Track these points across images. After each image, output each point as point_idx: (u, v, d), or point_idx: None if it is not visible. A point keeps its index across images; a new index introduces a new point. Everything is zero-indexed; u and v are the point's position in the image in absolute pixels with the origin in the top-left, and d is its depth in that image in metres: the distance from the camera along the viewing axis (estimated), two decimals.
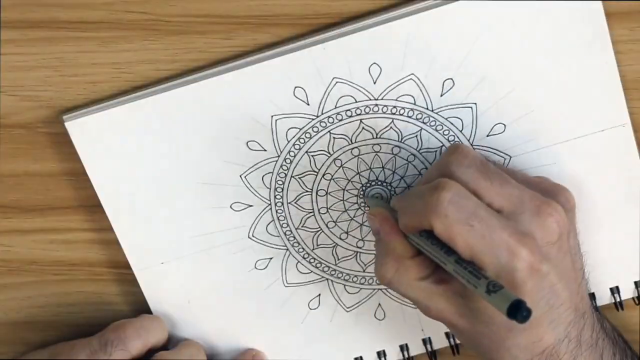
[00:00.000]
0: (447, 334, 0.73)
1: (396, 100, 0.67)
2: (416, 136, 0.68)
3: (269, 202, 0.70)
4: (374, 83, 0.66)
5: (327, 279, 0.72)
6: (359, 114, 0.67)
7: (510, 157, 0.68)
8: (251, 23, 0.66)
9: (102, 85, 0.68)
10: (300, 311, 0.73)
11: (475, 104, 0.66)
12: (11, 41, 0.67)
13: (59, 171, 0.70)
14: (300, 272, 0.72)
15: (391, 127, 0.67)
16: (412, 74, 0.66)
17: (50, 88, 0.68)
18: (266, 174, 0.69)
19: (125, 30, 0.67)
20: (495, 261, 0.60)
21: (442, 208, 0.60)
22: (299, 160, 0.68)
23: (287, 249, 0.71)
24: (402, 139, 0.68)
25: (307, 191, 0.69)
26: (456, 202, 0.60)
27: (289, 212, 0.70)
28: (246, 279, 0.72)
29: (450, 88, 0.66)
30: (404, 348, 0.74)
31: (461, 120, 0.67)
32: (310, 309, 0.73)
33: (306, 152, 0.68)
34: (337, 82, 0.66)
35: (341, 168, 0.69)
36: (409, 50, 0.65)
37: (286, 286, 0.72)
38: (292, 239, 0.71)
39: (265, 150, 0.68)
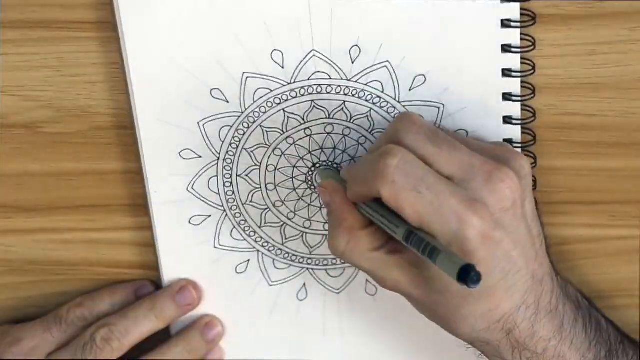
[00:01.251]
0: None
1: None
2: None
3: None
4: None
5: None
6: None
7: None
8: None
9: (101, 85, 0.68)
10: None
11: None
12: (11, 41, 0.67)
13: (59, 171, 0.70)
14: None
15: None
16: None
17: (50, 88, 0.68)
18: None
19: None
20: (446, 229, 0.59)
21: (389, 174, 0.59)
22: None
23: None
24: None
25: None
26: (403, 168, 0.59)
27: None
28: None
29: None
30: None
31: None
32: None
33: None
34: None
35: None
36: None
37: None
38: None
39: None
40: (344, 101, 0.66)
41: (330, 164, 0.69)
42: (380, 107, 0.67)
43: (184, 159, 0.68)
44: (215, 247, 0.71)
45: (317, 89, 0.66)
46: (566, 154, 0.69)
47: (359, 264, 0.64)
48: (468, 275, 0.55)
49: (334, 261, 0.72)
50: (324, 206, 0.68)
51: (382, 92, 0.66)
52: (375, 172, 0.60)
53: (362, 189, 0.62)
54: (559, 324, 0.64)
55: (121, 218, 0.72)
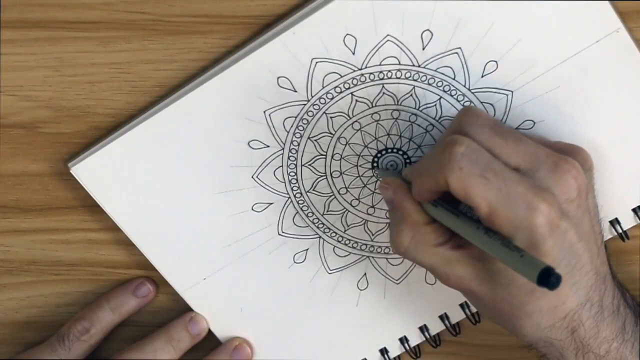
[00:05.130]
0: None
1: (380, 64, 0.66)
2: (435, 105, 0.67)
3: (287, 196, 0.70)
4: (354, 54, 0.66)
5: (368, 257, 0.72)
6: (349, 87, 0.67)
7: (512, 91, 0.67)
8: (250, 23, 0.66)
9: (101, 85, 0.68)
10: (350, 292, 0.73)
11: (460, 48, 0.65)
12: (11, 41, 0.67)
13: (58, 171, 0.70)
14: (338, 255, 0.72)
15: (411, 95, 0.67)
16: (388, 34, 0.65)
17: (49, 88, 0.68)
18: (277, 168, 0.69)
19: (124, 30, 0.67)
20: (513, 216, 0.58)
21: (456, 162, 0.59)
22: (316, 123, 0.68)
23: (319, 237, 0.71)
24: (420, 106, 0.67)
25: (322, 154, 0.69)
26: (469, 155, 0.59)
27: (310, 201, 0.70)
28: (288, 274, 0.72)
29: (430, 39, 0.65)
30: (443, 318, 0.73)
31: (452, 69, 0.66)
32: (360, 289, 0.73)
33: (324, 112, 0.67)
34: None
35: (359, 132, 0.68)
36: (378, 12, 0.64)
37: (330, 273, 0.72)
38: (321, 225, 0.71)
39: (267, 147, 0.68)
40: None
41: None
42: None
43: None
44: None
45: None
46: None
47: (422, 260, 0.63)
48: (548, 277, 0.54)
49: None
50: (386, 203, 0.68)
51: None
52: (441, 161, 0.60)
53: (428, 182, 0.61)
54: (621, 326, 0.64)
55: None
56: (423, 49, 0.65)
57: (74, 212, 0.71)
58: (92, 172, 0.68)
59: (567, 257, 0.60)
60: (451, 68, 0.66)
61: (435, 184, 0.61)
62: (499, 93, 0.66)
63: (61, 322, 0.74)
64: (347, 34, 0.65)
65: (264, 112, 0.67)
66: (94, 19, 0.66)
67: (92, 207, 0.71)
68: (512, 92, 0.66)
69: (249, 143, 0.68)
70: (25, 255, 0.72)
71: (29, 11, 0.66)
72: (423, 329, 0.73)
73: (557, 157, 0.61)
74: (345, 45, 0.65)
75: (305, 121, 0.68)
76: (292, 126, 0.68)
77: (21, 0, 0.66)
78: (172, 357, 0.72)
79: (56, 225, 0.72)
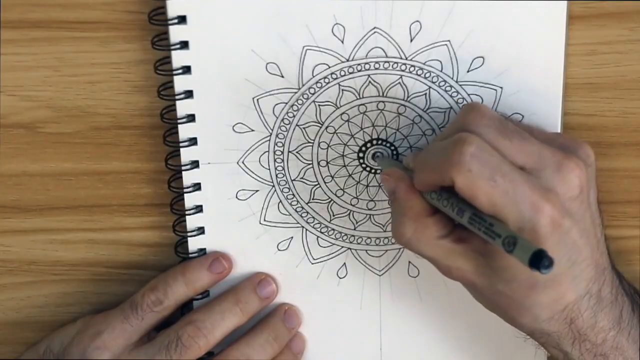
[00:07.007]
0: None
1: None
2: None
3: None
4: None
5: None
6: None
7: (502, 87, 0.67)
8: None
9: (101, 85, 0.68)
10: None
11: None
12: (11, 41, 0.67)
13: (58, 171, 0.70)
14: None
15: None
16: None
17: (49, 88, 0.68)
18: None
19: (124, 30, 0.67)
20: (518, 216, 0.59)
21: (465, 162, 0.59)
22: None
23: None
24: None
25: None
26: (479, 157, 0.59)
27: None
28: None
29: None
30: None
31: (440, 61, 0.66)
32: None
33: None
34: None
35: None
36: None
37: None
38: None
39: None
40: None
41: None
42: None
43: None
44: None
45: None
46: None
47: (424, 252, 0.63)
48: (540, 260, 0.55)
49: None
50: (387, 194, 0.68)
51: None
52: (450, 159, 0.59)
53: (432, 177, 0.61)
54: (618, 315, 0.64)
55: (121, 218, 0.72)
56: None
57: (74, 212, 0.71)
58: None
59: (568, 253, 0.61)
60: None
61: (439, 180, 0.61)
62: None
63: (61, 322, 0.73)
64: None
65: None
66: (94, 19, 0.66)
67: (92, 207, 0.71)
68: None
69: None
70: (25, 255, 0.72)
71: (29, 11, 0.66)
72: None
73: (562, 156, 0.61)
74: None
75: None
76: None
77: (21, 0, 0.66)
78: (240, 320, 0.71)
79: (56, 225, 0.72)
